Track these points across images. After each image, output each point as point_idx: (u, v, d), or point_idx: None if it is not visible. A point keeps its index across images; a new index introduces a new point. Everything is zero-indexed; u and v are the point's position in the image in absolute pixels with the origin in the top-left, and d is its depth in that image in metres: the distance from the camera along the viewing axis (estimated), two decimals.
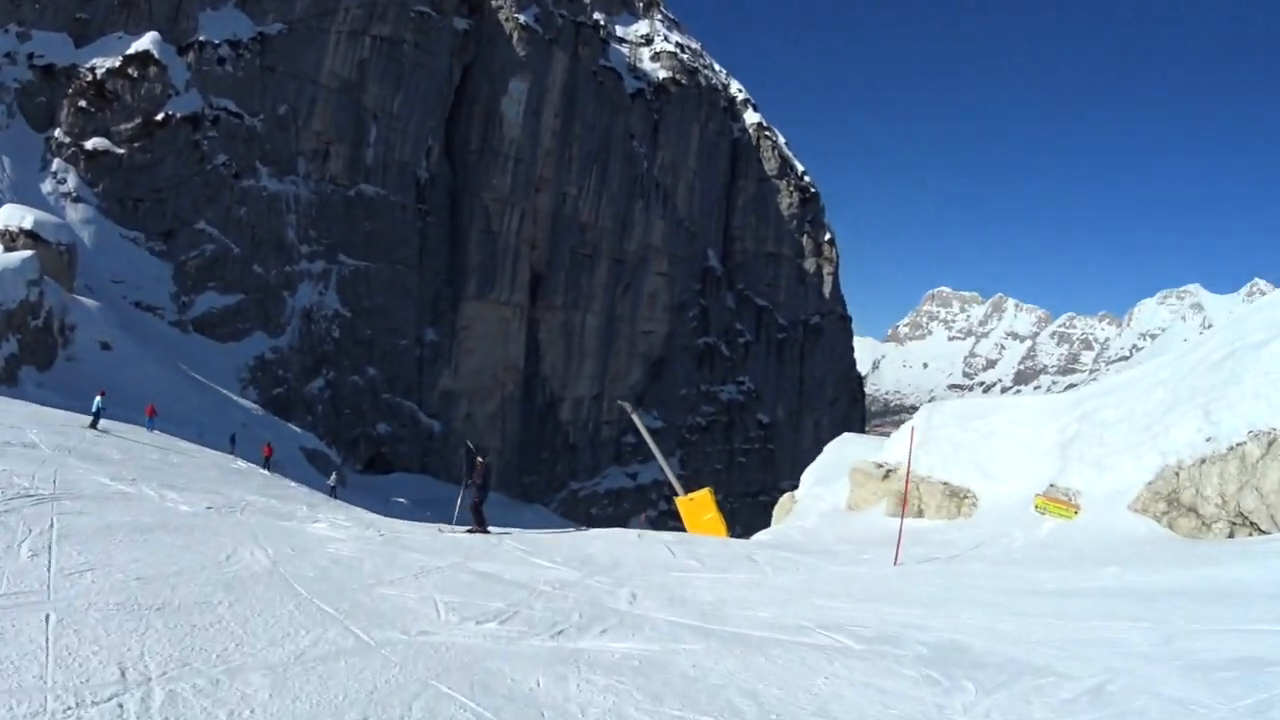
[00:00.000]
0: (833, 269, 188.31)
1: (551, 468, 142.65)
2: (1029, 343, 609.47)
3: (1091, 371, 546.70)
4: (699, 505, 33.21)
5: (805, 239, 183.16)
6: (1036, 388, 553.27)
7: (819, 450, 43.16)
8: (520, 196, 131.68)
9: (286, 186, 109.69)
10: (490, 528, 21.23)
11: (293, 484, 37.84)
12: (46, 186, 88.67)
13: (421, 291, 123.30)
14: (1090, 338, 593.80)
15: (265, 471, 42.39)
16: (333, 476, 61.83)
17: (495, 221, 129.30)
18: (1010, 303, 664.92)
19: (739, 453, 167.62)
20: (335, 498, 42.41)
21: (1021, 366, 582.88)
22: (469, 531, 20.47)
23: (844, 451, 39.02)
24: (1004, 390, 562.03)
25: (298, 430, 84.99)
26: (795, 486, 39.94)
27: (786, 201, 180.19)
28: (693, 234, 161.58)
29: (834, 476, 36.14)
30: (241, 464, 41.32)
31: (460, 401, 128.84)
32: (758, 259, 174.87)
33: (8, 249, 62.81)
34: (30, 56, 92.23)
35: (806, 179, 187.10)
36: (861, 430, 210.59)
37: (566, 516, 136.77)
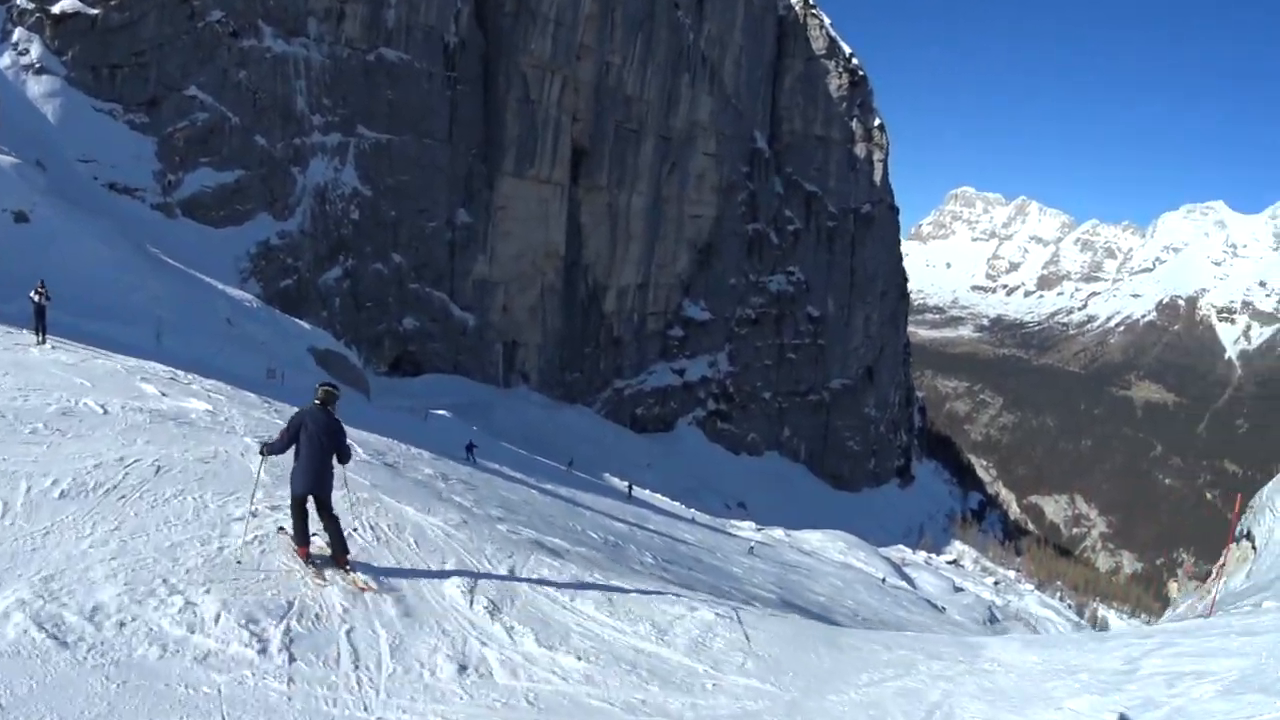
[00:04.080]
0: (883, 156, 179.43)
1: (595, 364, 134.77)
2: (1052, 248, 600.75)
3: (1115, 281, 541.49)
4: None
5: (855, 124, 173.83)
6: (1060, 294, 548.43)
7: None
8: (561, 63, 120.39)
9: (295, 49, 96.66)
10: None
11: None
12: (5, 60, 74.64)
13: (452, 168, 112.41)
14: (1114, 246, 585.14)
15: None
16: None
17: (534, 90, 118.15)
18: (1034, 205, 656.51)
19: (789, 348, 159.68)
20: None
21: (1045, 272, 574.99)
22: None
23: None
24: (1027, 295, 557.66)
25: (306, 327, 68.96)
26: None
27: (835, 84, 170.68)
28: (740, 113, 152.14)
29: None
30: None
31: (496, 291, 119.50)
32: (806, 142, 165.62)
33: None
34: None
35: (855, 61, 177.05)
36: (904, 327, 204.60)
37: (611, 418, 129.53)
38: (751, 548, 49.12)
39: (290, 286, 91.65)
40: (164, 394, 19.96)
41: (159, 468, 12.60)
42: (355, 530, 12.17)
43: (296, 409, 10.82)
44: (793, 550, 65.28)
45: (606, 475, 76.45)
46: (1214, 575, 33.95)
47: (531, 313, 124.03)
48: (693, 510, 69.14)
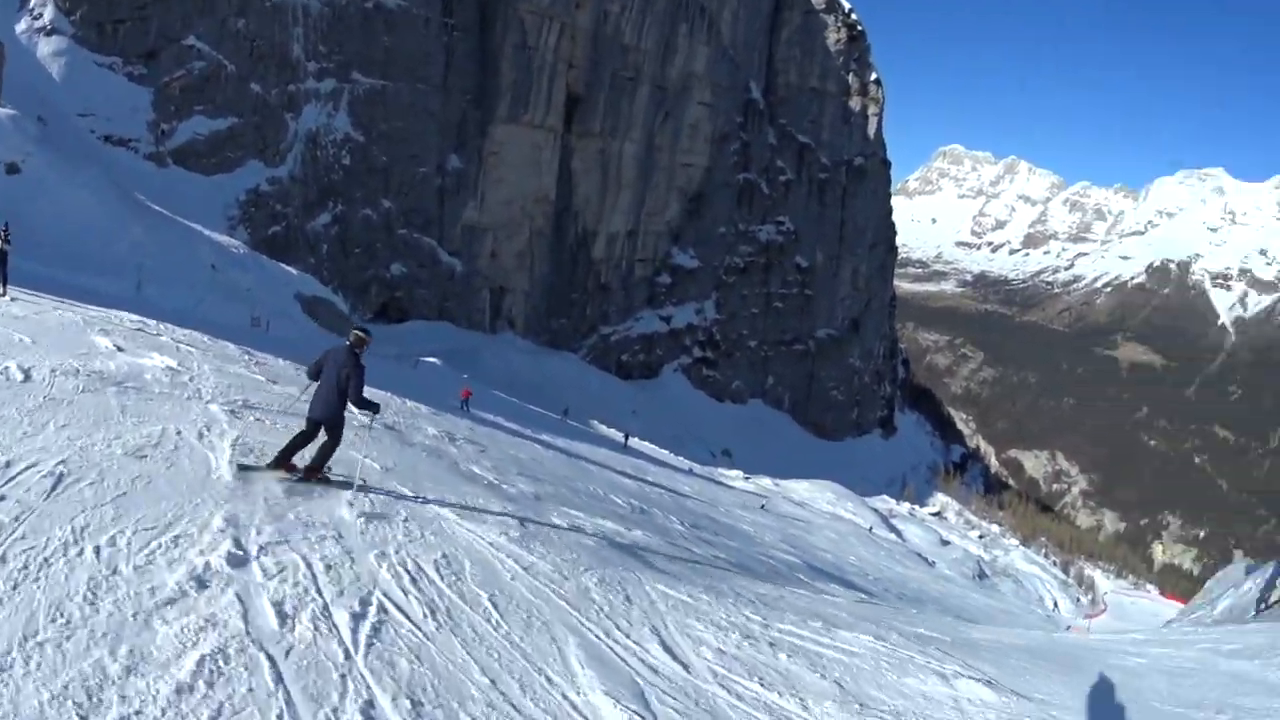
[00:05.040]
0: (878, 110, 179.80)
1: (582, 310, 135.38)
2: (1040, 207, 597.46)
3: (1104, 243, 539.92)
4: None
5: (851, 77, 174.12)
6: (1046, 253, 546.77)
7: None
8: (559, 10, 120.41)
9: None
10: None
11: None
12: (21, 25, 77.09)
13: (445, 114, 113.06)
14: (1104, 209, 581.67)
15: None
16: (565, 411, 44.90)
17: (531, 36, 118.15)
18: (1023, 165, 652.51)
19: (776, 297, 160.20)
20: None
21: (1031, 230, 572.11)
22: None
23: None
24: (1012, 252, 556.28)
25: (293, 273, 70.04)
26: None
27: (834, 37, 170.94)
28: (736, 64, 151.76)
29: None
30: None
31: (485, 238, 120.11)
32: (801, 94, 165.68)
33: None
34: None
35: (854, 16, 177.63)
36: (891, 280, 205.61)
37: (597, 364, 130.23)
38: (763, 505, 49.94)
39: (278, 233, 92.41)
40: (119, 349, 16.19)
41: (59, 476, 8.10)
42: (399, 591, 7.86)
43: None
44: (786, 502, 66.15)
45: (594, 422, 77.35)
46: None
47: (519, 259, 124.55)
48: (690, 463, 69.82)
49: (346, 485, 10.91)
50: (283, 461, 10.63)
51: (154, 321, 22.92)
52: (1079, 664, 14.03)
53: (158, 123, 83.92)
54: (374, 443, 14.22)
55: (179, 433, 10.92)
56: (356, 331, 11.12)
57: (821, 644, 10.74)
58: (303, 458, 10.84)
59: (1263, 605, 31.15)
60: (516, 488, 16.76)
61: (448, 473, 15.45)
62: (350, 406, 10.90)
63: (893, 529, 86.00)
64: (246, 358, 21.25)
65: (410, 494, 12.07)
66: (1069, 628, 59.89)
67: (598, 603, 9.60)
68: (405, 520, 10.29)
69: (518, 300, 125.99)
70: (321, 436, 10.86)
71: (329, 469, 11.08)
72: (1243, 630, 18.99)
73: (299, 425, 11.32)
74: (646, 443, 73.46)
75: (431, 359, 71.92)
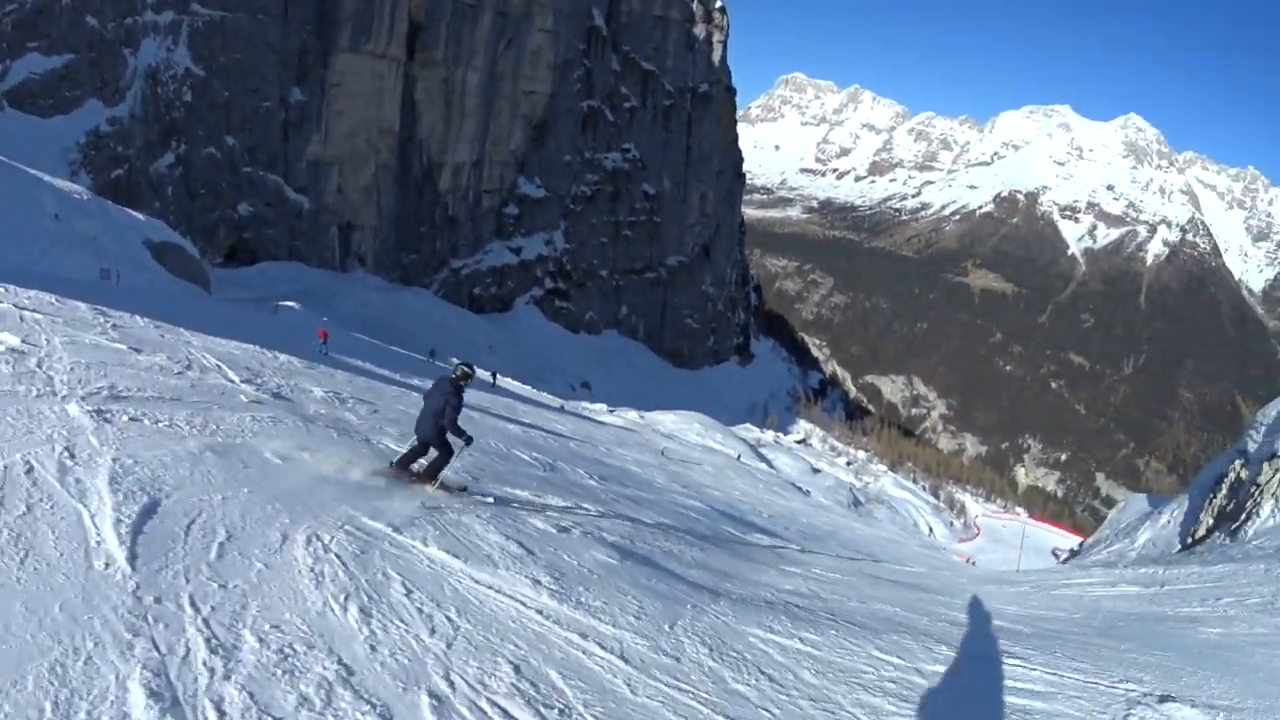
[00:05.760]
0: (723, 38, 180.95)
1: (431, 244, 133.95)
2: (885, 135, 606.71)
3: (950, 172, 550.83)
4: None
5: (695, 4, 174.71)
6: (892, 180, 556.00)
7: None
8: None
9: None
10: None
11: None
12: None
13: (286, 45, 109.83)
14: (950, 139, 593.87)
15: None
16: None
17: None
18: (867, 95, 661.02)
19: (625, 225, 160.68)
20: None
21: (877, 158, 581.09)
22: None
23: None
24: (858, 179, 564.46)
25: (140, 218, 64.16)
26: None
27: None
28: None
29: None
30: None
31: (331, 172, 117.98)
32: (645, 21, 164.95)
33: None
34: None
35: None
36: (739, 206, 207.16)
37: (449, 299, 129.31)
38: (663, 450, 49.02)
39: (121, 177, 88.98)
40: None
41: None
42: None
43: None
44: (657, 435, 65.90)
45: (454, 360, 76.34)
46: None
47: (366, 193, 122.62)
48: (558, 400, 69.34)
49: (461, 489, 12.32)
50: (403, 466, 11.96)
51: None
52: (1181, 642, 11.53)
53: None
54: (274, 424, 12.49)
55: (28, 468, 7.39)
56: (462, 367, 12.55)
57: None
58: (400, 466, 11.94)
59: (1189, 539, 31.91)
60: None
61: (360, 452, 12.70)
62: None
63: (763, 458, 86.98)
64: (101, 320, 18.40)
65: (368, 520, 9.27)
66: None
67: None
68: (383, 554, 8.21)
69: (367, 236, 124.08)
70: (432, 452, 12.02)
71: (444, 480, 12.07)
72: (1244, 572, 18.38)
73: (181, 417, 10.84)
74: (512, 380, 73.09)
75: (289, 303, 70.45)
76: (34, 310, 16.47)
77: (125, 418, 9.97)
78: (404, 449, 12.61)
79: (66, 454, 7.99)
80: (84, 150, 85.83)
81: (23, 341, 12.72)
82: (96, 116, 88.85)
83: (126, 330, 17.95)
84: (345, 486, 10.42)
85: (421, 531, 9.27)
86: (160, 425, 10.21)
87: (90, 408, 9.88)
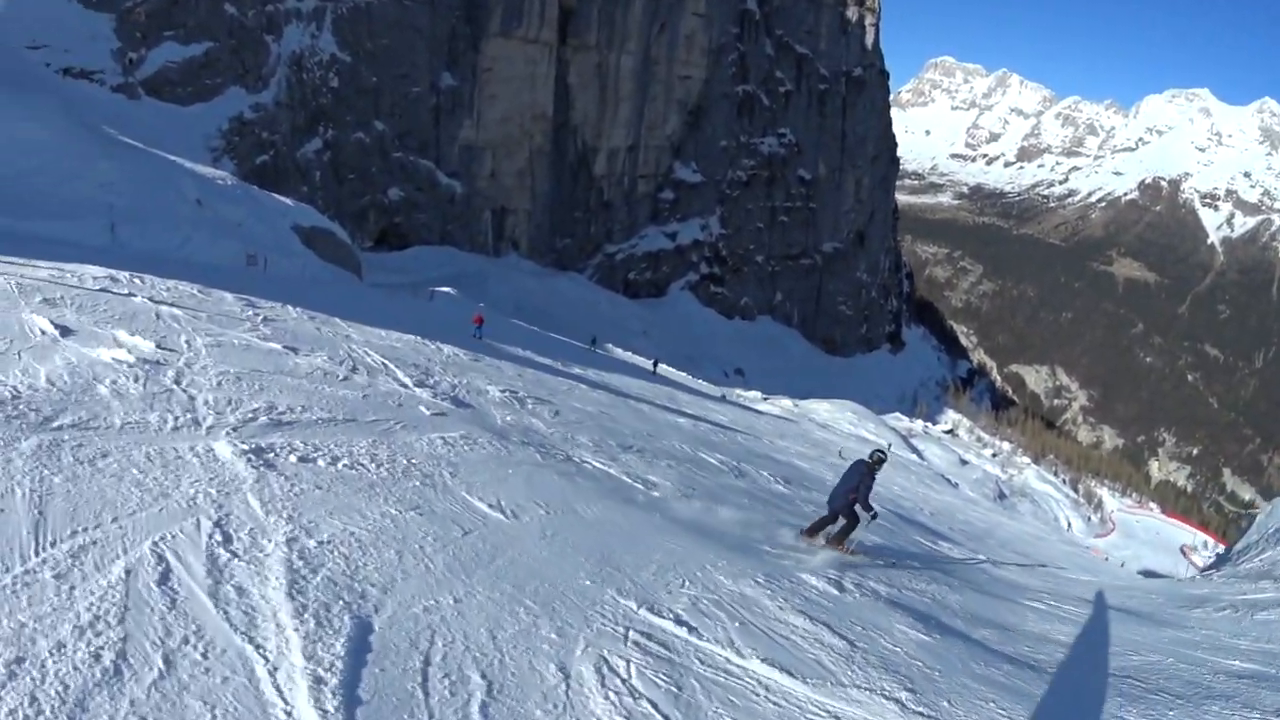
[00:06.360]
0: (875, 20, 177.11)
1: (585, 229, 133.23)
2: (1033, 120, 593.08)
3: (1096, 158, 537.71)
4: None
5: None
6: (1040, 166, 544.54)
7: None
8: None
9: None
10: None
11: None
12: None
13: (434, 30, 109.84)
14: (1096, 124, 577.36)
15: None
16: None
17: None
18: (1015, 78, 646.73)
19: (780, 211, 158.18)
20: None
21: (1025, 144, 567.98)
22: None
23: None
24: (1007, 165, 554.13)
25: (288, 203, 61.59)
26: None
27: None
28: None
29: None
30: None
31: (484, 156, 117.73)
32: (797, 4, 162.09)
33: None
34: None
35: None
36: (893, 192, 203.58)
37: (603, 283, 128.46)
38: (840, 451, 46.92)
39: (267, 162, 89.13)
40: (63, 332, 10.66)
41: None
42: None
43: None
44: (813, 425, 64.09)
45: (610, 346, 75.10)
46: None
47: (520, 178, 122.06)
48: (718, 389, 68.41)
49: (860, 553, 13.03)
50: (814, 532, 13.00)
51: (126, 274, 18.46)
52: None
53: (124, 51, 78.69)
54: (469, 448, 10.96)
55: (163, 571, 5.09)
56: (879, 454, 13.39)
57: None
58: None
59: None
60: (640, 476, 13.41)
61: (560, 479, 10.97)
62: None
63: (913, 449, 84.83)
64: (251, 313, 17.18)
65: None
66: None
67: None
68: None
69: (520, 221, 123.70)
70: (841, 520, 12.93)
71: (850, 544, 12.90)
72: None
73: (362, 448, 9.23)
74: (669, 368, 71.74)
75: (446, 289, 69.77)
76: (173, 305, 15.35)
77: (293, 458, 8.13)
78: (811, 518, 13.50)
79: (218, 537, 5.78)
80: (227, 137, 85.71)
81: (158, 347, 11.24)
82: (239, 103, 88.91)
83: (279, 325, 16.72)
84: (590, 554, 8.05)
85: (713, 626, 6.95)
86: (340, 467, 8.36)
87: (246, 446, 7.97)
